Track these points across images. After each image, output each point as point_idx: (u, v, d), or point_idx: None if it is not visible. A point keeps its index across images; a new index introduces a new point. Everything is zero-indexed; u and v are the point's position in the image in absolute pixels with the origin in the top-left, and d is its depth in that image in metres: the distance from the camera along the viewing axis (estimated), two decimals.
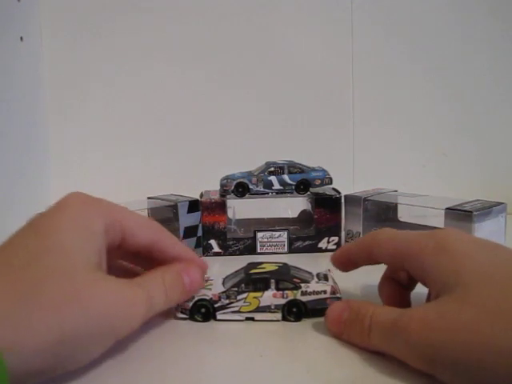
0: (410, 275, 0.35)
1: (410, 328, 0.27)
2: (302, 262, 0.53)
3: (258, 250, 0.56)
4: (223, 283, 0.39)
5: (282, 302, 0.37)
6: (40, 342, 0.24)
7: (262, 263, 0.40)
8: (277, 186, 0.55)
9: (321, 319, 0.35)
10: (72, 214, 0.30)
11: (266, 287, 0.37)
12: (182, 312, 0.37)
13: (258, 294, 0.37)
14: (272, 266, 0.39)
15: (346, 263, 0.38)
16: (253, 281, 0.37)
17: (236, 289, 0.37)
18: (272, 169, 0.55)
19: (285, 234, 0.56)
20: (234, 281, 0.38)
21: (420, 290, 0.35)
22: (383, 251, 0.34)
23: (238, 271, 0.40)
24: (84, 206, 0.31)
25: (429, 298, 0.33)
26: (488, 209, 0.46)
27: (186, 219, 0.54)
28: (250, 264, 0.40)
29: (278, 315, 0.37)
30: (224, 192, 0.56)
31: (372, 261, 0.36)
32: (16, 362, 0.23)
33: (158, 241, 0.35)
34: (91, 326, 0.27)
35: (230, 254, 0.56)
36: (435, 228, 0.49)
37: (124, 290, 0.30)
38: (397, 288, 0.36)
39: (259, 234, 0.56)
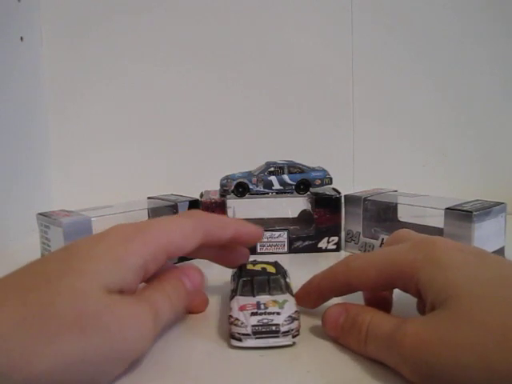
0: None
1: (404, 343, 0.27)
2: (301, 262, 0.54)
3: (258, 250, 0.56)
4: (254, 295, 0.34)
5: None
6: (32, 370, 0.23)
7: (254, 264, 0.38)
8: (277, 186, 0.55)
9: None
10: (107, 246, 0.29)
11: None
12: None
13: None
14: (260, 264, 0.38)
15: (316, 300, 0.36)
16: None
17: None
18: (272, 169, 0.55)
19: (285, 234, 0.56)
20: (263, 284, 0.35)
21: None
22: (364, 280, 0.32)
23: (245, 278, 0.36)
24: (124, 240, 0.30)
25: (419, 306, 0.33)
26: (488, 209, 0.46)
27: None
28: (247, 269, 0.38)
29: None
30: (224, 192, 0.56)
31: (348, 292, 0.34)
32: None
33: (207, 241, 0.34)
34: (93, 355, 0.25)
35: None
36: (435, 228, 0.49)
37: (133, 309, 0.28)
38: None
39: None
